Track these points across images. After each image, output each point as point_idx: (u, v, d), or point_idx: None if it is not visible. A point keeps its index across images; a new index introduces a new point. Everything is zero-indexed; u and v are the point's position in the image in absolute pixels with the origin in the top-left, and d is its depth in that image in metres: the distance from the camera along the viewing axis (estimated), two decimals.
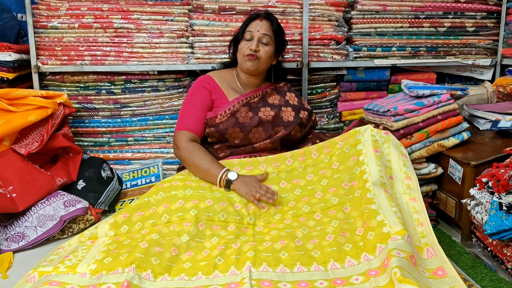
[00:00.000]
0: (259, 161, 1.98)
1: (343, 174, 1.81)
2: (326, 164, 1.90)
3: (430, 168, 2.05)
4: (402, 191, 1.73)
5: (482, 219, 1.68)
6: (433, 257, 1.47)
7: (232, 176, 1.86)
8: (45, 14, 2.39)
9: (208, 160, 1.92)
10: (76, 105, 2.48)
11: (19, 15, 2.54)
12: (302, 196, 1.83)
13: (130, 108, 2.54)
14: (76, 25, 2.40)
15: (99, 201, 2.12)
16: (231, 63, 2.25)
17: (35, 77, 2.42)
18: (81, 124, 2.53)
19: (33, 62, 2.40)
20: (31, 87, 2.43)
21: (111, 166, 2.36)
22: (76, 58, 2.43)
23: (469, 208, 1.79)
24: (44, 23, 2.39)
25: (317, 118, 2.58)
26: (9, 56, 2.28)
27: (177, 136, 2.02)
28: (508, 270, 1.59)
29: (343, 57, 2.57)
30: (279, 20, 2.47)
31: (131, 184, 2.43)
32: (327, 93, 2.64)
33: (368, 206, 1.58)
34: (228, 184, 1.86)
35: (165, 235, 1.62)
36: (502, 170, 1.61)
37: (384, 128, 2.13)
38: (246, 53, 2.05)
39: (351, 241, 1.52)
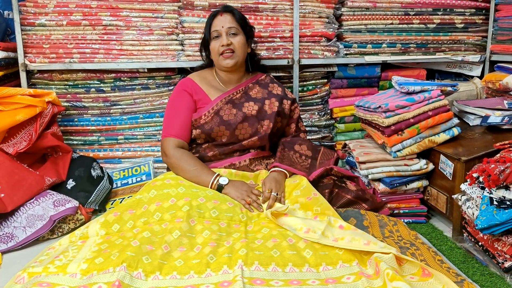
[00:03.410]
0: (248, 177, 1.99)
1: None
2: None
3: (421, 164, 2.06)
4: None
5: (473, 214, 1.69)
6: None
7: (223, 181, 1.88)
8: (32, 11, 2.36)
9: (198, 167, 1.93)
10: (65, 104, 2.45)
11: (5, 12, 2.49)
12: (299, 208, 1.81)
13: (120, 106, 2.51)
14: (64, 22, 2.37)
15: (89, 200, 2.10)
16: (208, 65, 2.23)
17: (23, 75, 2.38)
18: (70, 123, 2.50)
19: (21, 60, 2.37)
20: (19, 85, 2.39)
21: (101, 165, 2.33)
22: (64, 55, 2.40)
23: (460, 203, 1.80)
24: (32, 21, 2.36)
25: (303, 112, 2.59)
26: None
27: (164, 143, 2.02)
28: (499, 264, 1.60)
29: (334, 54, 2.57)
30: (269, 17, 2.48)
31: (122, 183, 2.41)
32: (318, 90, 2.64)
33: None
34: (219, 189, 1.88)
35: (157, 233, 1.61)
36: (493, 165, 1.61)
37: (376, 125, 2.14)
38: (220, 51, 2.04)
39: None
